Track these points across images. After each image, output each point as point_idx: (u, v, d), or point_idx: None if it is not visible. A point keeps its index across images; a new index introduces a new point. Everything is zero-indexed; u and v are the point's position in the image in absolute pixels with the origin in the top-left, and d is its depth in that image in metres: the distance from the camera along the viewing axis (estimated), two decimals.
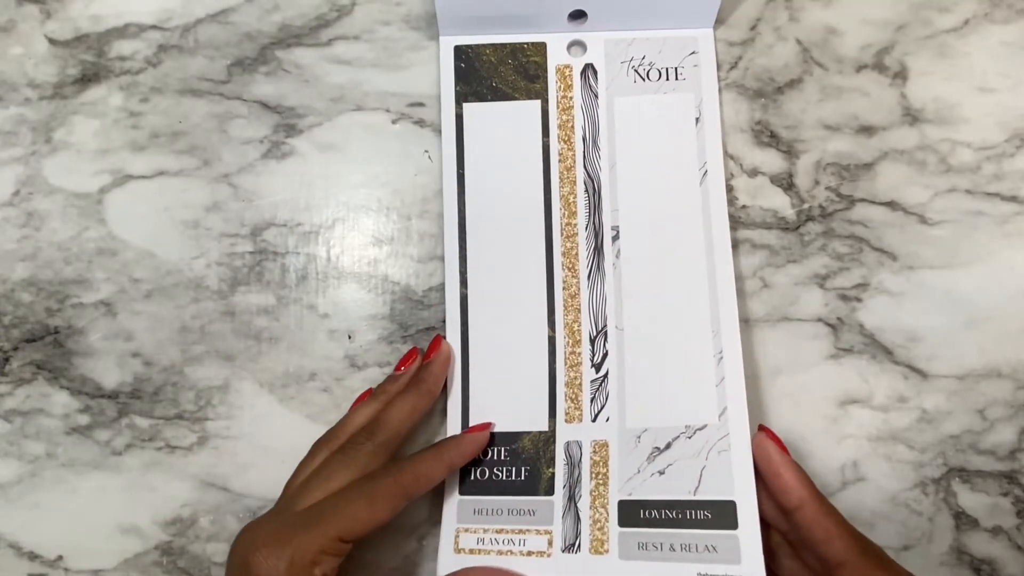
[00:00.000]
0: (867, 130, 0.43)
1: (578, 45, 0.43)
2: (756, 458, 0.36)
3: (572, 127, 0.42)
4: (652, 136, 0.42)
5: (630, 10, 0.42)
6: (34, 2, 0.45)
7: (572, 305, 0.40)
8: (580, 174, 0.41)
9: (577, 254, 0.41)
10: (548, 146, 0.42)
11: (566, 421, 0.39)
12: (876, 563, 0.33)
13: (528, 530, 0.37)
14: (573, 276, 0.40)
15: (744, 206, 0.42)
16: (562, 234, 0.41)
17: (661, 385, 0.39)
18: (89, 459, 0.41)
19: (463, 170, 0.41)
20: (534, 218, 0.41)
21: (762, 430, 0.36)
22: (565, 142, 0.42)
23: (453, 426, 0.39)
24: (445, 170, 0.42)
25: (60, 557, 0.40)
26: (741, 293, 0.41)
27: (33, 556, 0.40)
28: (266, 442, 0.41)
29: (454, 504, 0.38)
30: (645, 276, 0.40)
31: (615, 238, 0.41)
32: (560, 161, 0.41)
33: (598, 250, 0.40)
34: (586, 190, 0.41)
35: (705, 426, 0.38)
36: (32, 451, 0.41)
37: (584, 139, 0.42)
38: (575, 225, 0.41)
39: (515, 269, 0.41)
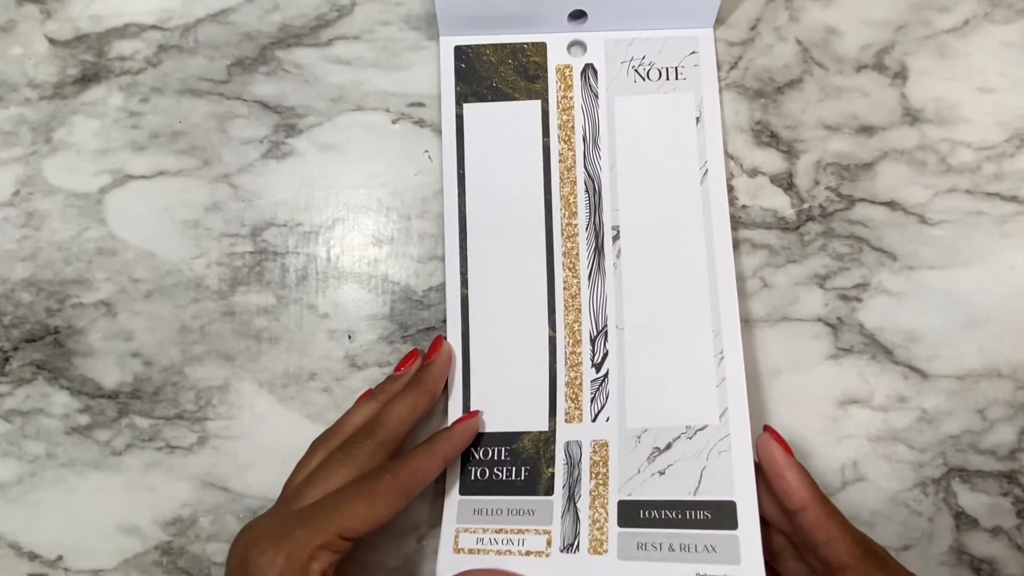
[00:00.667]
0: (867, 130, 0.43)
1: (578, 45, 0.43)
2: (760, 459, 0.35)
3: (572, 127, 0.42)
4: (652, 136, 0.42)
5: (630, 10, 0.42)
6: (34, 2, 0.45)
7: (573, 305, 0.40)
8: (580, 174, 0.41)
9: (578, 254, 0.40)
10: (548, 146, 0.42)
11: (566, 421, 0.39)
12: (878, 565, 0.33)
13: (527, 530, 0.37)
14: (574, 276, 0.40)
15: (744, 206, 0.42)
16: (563, 234, 0.41)
17: (662, 385, 0.39)
18: (89, 459, 0.41)
19: (463, 170, 0.41)
20: (535, 218, 0.41)
21: (766, 431, 0.36)
22: (565, 142, 0.42)
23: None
24: (445, 170, 0.42)
25: (60, 557, 0.40)
26: (741, 293, 0.41)
27: (33, 556, 0.40)
28: (266, 442, 0.41)
29: (454, 504, 0.38)
30: (646, 276, 0.40)
31: (615, 238, 0.41)
32: (560, 161, 0.41)
33: (599, 250, 0.40)
34: (586, 190, 0.41)
35: (706, 426, 0.37)
36: (32, 451, 0.41)
37: (584, 139, 0.42)
38: (575, 225, 0.41)
39: (516, 269, 0.41)
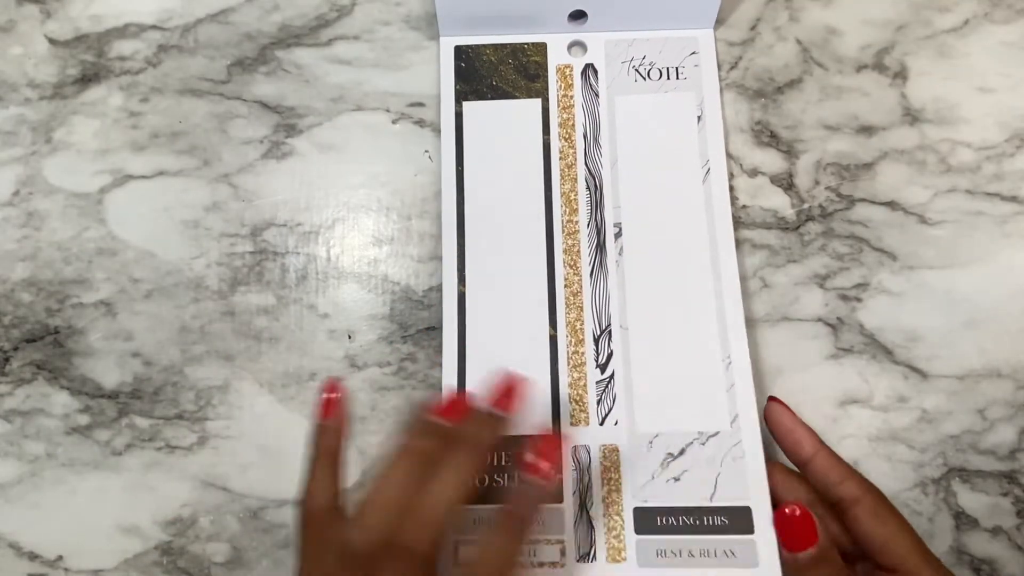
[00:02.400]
0: (867, 130, 0.43)
1: (578, 46, 0.43)
2: (769, 422, 0.37)
3: (573, 125, 0.42)
4: (653, 134, 0.41)
5: (630, 10, 0.41)
6: (34, 2, 0.45)
7: (574, 303, 0.39)
8: (581, 171, 0.41)
9: (579, 251, 0.40)
10: (548, 143, 0.42)
11: (572, 424, 0.38)
12: (883, 497, 0.35)
13: (538, 540, 0.36)
14: (575, 273, 0.40)
15: (744, 206, 0.42)
16: (563, 231, 0.40)
17: (670, 388, 0.38)
18: (89, 459, 0.41)
19: (462, 166, 0.41)
20: (534, 214, 0.41)
21: (772, 400, 0.37)
22: (566, 140, 0.42)
23: None
24: (444, 165, 0.41)
25: (60, 557, 0.40)
26: (742, 293, 0.41)
27: (33, 556, 0.40)
28: (266, 442, 0.41)
29: (451, 514, 0.37)
30: (649, 275, 0.40)
31: (618, 235, 0.40)
32: (561, 158, 0.41)
33: (600, 247, 0.40)
34: (587, 187, 0.41)
35: (718, 432, 0.37)
36: (32, 451, 0.41)
37: (585, 136, 0.42)
38: (576, 222, 0.40)
39: (515, 266, 0.40)
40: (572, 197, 0.41)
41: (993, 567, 0.39)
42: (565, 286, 0.40)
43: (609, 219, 0.40)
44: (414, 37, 0.44)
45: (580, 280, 0.40)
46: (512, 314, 0.40)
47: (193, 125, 0.43)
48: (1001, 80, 0.43)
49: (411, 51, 0.44)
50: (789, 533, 0.32)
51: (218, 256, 0.42)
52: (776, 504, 0.36)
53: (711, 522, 0.36)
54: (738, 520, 0.36)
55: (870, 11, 0.44)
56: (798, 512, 0.32)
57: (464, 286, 0.40)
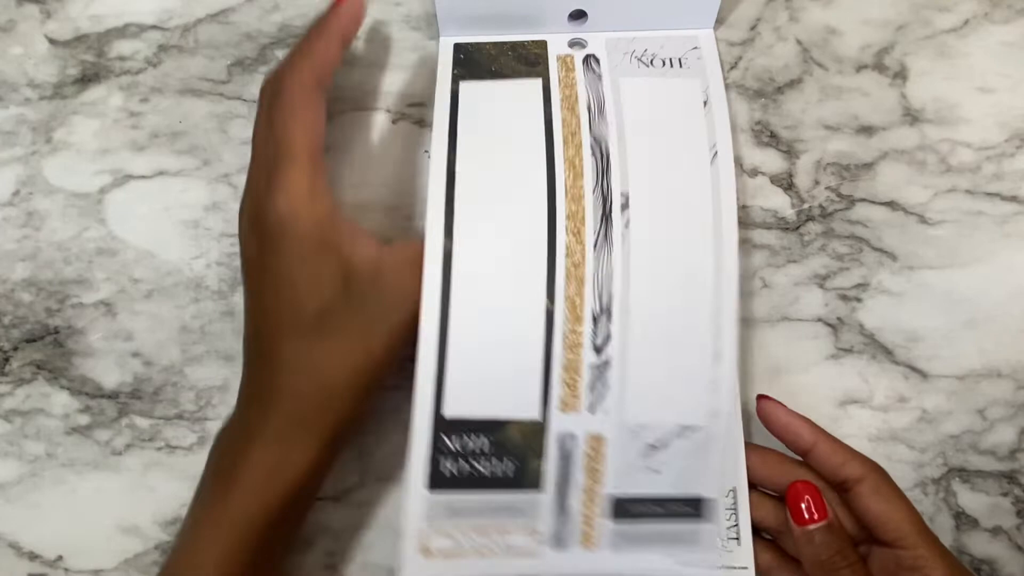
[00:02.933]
0: (867, 130, 0.43)
1: (579, 44, 0.43)
2: (763, 420, 0.37)
3: (576, 99, 0.40)
4: (660, 113, 0.40)
5: (630, 10, 0.41)
6: (34, 2, 0.45)
7: (575, 275, 0.36)
8: (586, 139, 0.38)
9: (583, 218, 0.37)
10: (551, 115, 0.39)
11: (561, 410, 0.35)
12: (887, 476, 0.36)
13: (512, 528, 0.35)
14: (578, 242, 0.37)
15: (744, 206, 0.42)
16: (567, 195, 0.37)
17: (659, 379, 0.36)
18: (89, 459, 0.41)
19: (456, 129, 0.39)
20: (535, 176, 0.37)
21: (761, 398, 0.38)
22: (569, 110, 0.39)
23: (422, 406, 0.35)
24: (436, 128, 0.39)
25: (60, 557, 0.40)
26: (741, 293, 0.41)
27: (33, 556, 0.40)
28: None
29: (421, 502, 0.35)
30: (653, 255, 0.37)
31: (624, 206, 0.37)
32: (564, 126, 0.39)
33: (606, 217, 0.37)
34: (593, 154, 0.38)
35: (701, 426, 0.36)
36: (32, 451, 0.41)
37: (589, 109, 0.39)
38: (581, 187, 0.37)
39: (511, 226, 0.37)
40: (577, 163, 0.38)
41: (993, 567, 0.39)
42: (567, 256, 0.37)
43: (616, 187, 0.37)
44: (414, 37, 0.44)
45: (583, 250, 0.37)
46: (504, 281, 0.36)
47: (193, 125, 0.43)
48: (1001, 80, 0.43)
49: (411, 51, 0.44)
50: (800, 508, 0.35)
51: (218, 256, 0.42)
52: (751, 486, 0.37)
53: (681, 510, 0.36)
54: (705, 509, 0.36)
55: (870, 11, 0.44)
56: (808, 488, 0.35)
57: (451, 241, 0.36)
